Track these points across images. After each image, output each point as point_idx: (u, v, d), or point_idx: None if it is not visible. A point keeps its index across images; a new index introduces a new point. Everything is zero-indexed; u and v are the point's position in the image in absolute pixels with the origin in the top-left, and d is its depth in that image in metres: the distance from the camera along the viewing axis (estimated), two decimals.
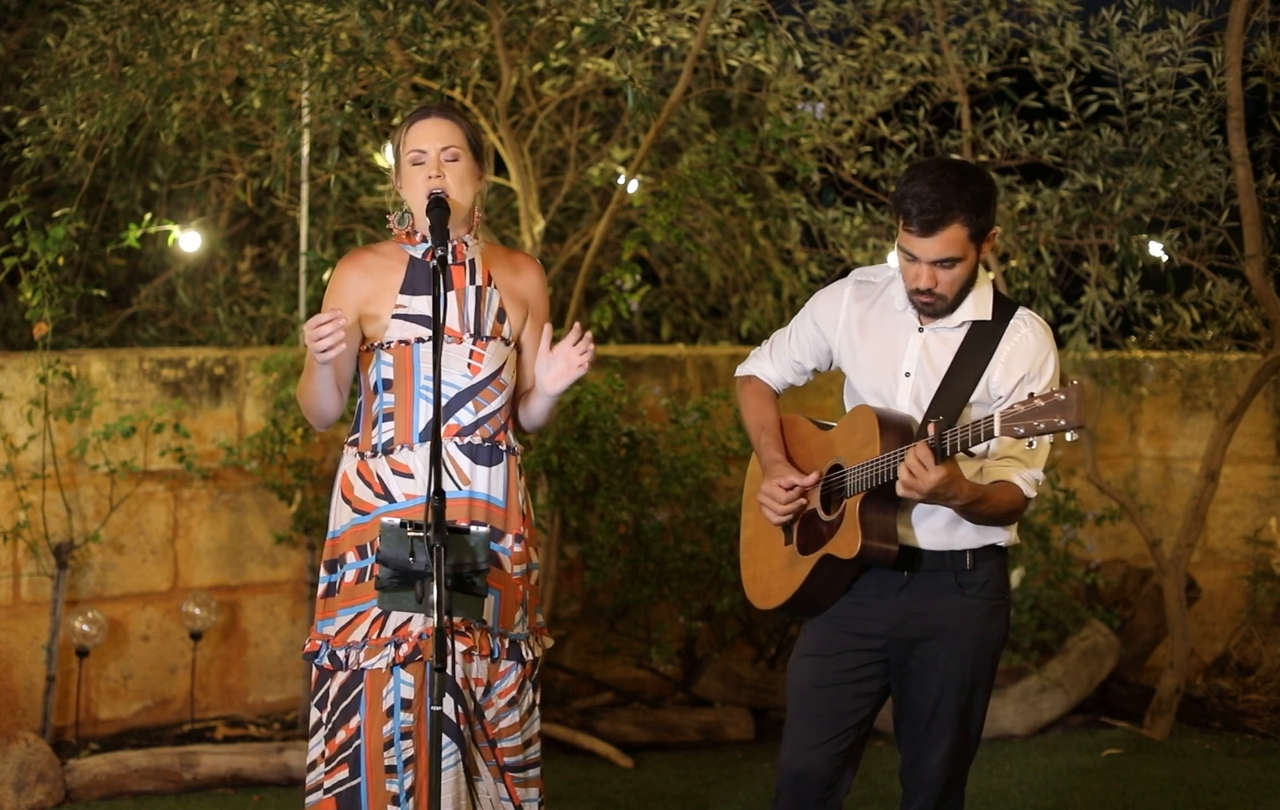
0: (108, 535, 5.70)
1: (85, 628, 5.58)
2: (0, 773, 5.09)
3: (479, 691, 3.64)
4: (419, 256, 3.68)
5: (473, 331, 3.65)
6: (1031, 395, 3.24)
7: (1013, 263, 6.07)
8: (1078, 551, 6.47)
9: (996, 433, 3.24)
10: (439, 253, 3.43)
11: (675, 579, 5.99)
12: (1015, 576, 6.12)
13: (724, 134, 5.82)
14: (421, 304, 3.64)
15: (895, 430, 3.48)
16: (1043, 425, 3.19)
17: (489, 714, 3.65)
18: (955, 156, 5.95)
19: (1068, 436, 3.21)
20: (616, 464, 5.86)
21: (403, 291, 3.65)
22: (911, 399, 3.57)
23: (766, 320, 7.31)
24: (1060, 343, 6.32)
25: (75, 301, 6.45)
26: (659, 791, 5.38)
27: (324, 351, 3.47)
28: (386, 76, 5.20)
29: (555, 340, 3.71)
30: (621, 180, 6.03)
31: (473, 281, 3.68)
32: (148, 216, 5.67)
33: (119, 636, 5.76)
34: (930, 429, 3.35)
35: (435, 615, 3.10)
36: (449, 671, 3.55)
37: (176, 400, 5.84)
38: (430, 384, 3.61)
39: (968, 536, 3.57)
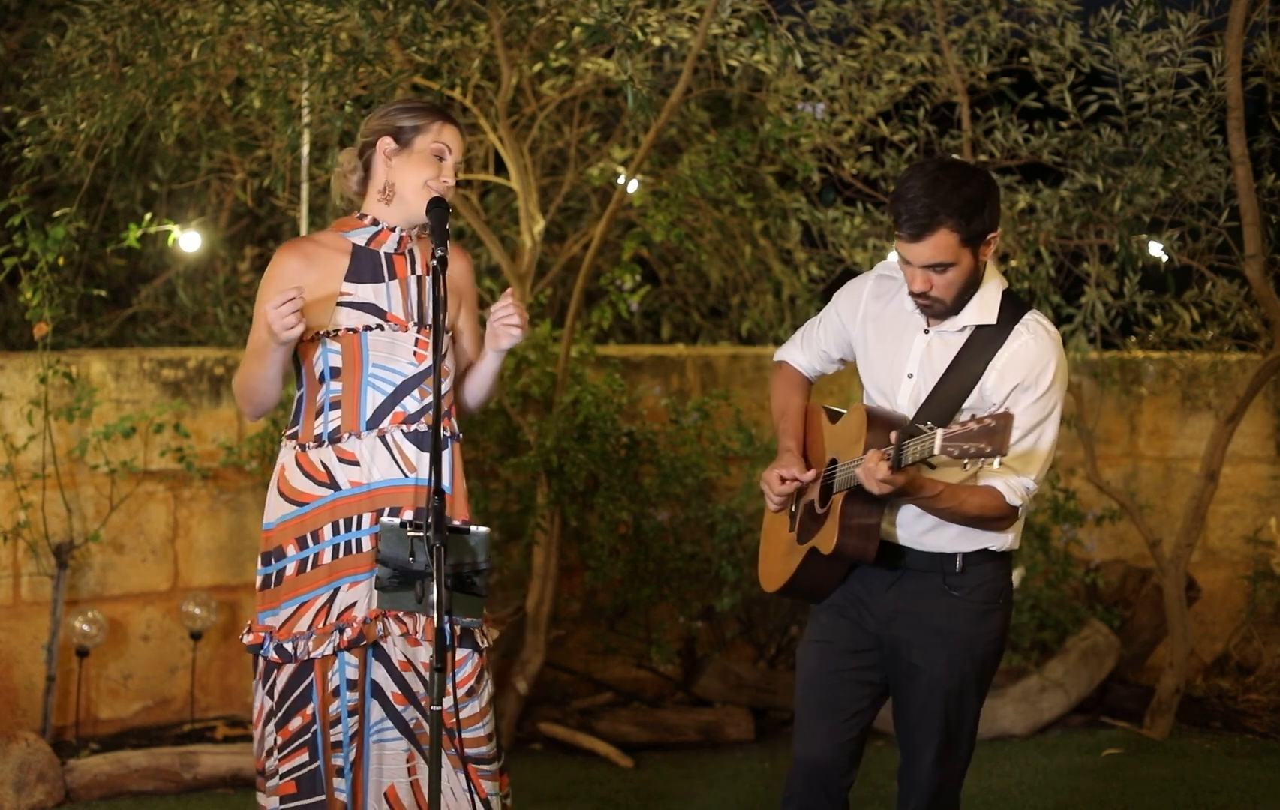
0: (108, 535, 5.70)
1: (85, 628, 5.58)
2: (0, 773, 5.09)
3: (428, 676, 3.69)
4: (363, 243, 3.70)
5: (416, 320, 3.69)
6: (973, 416, 3.29)
7: (1013, 263, 6.07)
8: (1078, 551, 6.47)
9: (936, 450, 3.28)
10: (439, 253, 3.45)
11: (675, 579, 5.99)
12: (1015, 576, 6.10)
13: (724, 134, 5.82)
14: (367, 292, 3.66)
15: (881, 429, 3.52)
16: (973, 449, 3.24)
17: (446, 702, 3.65)
18: (955, 156, 5.95)
19: (994, 463, 3.25)
20: (616, 464, 5.86)
21: (347, 279, 3.66)
22: (911, 399, 3.59)
23: (766, 320, 7.31)
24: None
25: (75, 301, 6.45)
26: (659, 791, 5.38)
27: (289, 329, 3.48)
28: (386, 76, 5.20)
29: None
30: (621, 180, 6.02)
31: (413, 271, 3.72)
32: (148, 216, 5.67)
33: (119, 636, 5.76)
34: (893, 438, 3.40)
35: (435, 615, 3.10)
36: (387, 650, 3.66)
37: (176, 400, 5.84)
38: (379, 371, 3.65)
39: (956, 540, 3.58)
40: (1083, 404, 6.12)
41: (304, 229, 6.39)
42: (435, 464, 3.23)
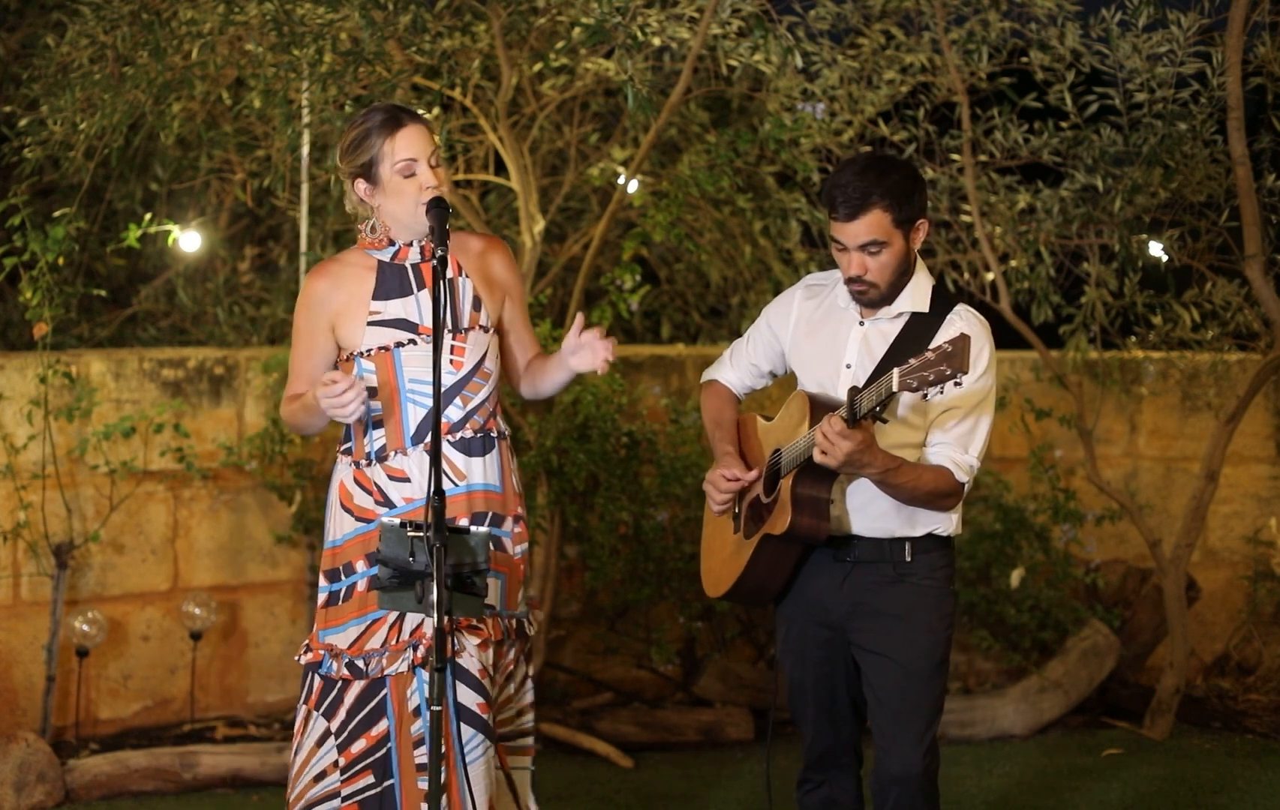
0: (108, 535, 5.70)
1: (85, 628, 5.58)
2: (0, 773, 5.09)
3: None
4: (388, 260, 3.69)
5: (451, 326, 3.66)
6: (926, 351, 3.34)
7: (1013, 263, 6.07)
8: (1078, 551, 6.47)
9: (895, 388, 3.34)
10: (439, 253, 3.44)
11: (675, 579, 5.99)
12: (1015, 576, 6.11)
13: (724, 134, 5.82)
14: (396, 308, 3.66)
15: (825, 410, 3.59)
16: (933, 376, 3.30)
17: (493, 692, 3.71)
18: (958, 154, 5.95)
19: (954, 384, 3.30)
20: (616, 464, 5.86)
21: (375, 298, 3.66)
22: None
23: None
24: (1060, 343, 6.32)
25: (75, 301, 6.45)
26: (659, 791, 5.38)
27: (349, 416, 3.49)
28: (386, 76, 5.20)
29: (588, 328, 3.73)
30: (621, 180, 6.02)
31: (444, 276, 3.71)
32: (148, 216, 5.67)
33: (119, 636, 5.76)
34: (845, 398, 3.48)
35: (435, 615, 3.11)
36: (465, 665, 3.63)
37: (176, 400, 5.84)
38: (416, 386, 3.65)
39: (904, 525, 3.68)
40: (1083, 404, 6.11)
41: (304, 229, 6.39)
42: (435, 464, 3.23)
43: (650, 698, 6.18)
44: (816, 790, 3.91)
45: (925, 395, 3.32)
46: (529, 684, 3.83)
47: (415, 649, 3.60)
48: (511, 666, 3.74)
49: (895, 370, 3.33)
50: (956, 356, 3.27)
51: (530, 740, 3.84)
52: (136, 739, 5.66)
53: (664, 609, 6.14)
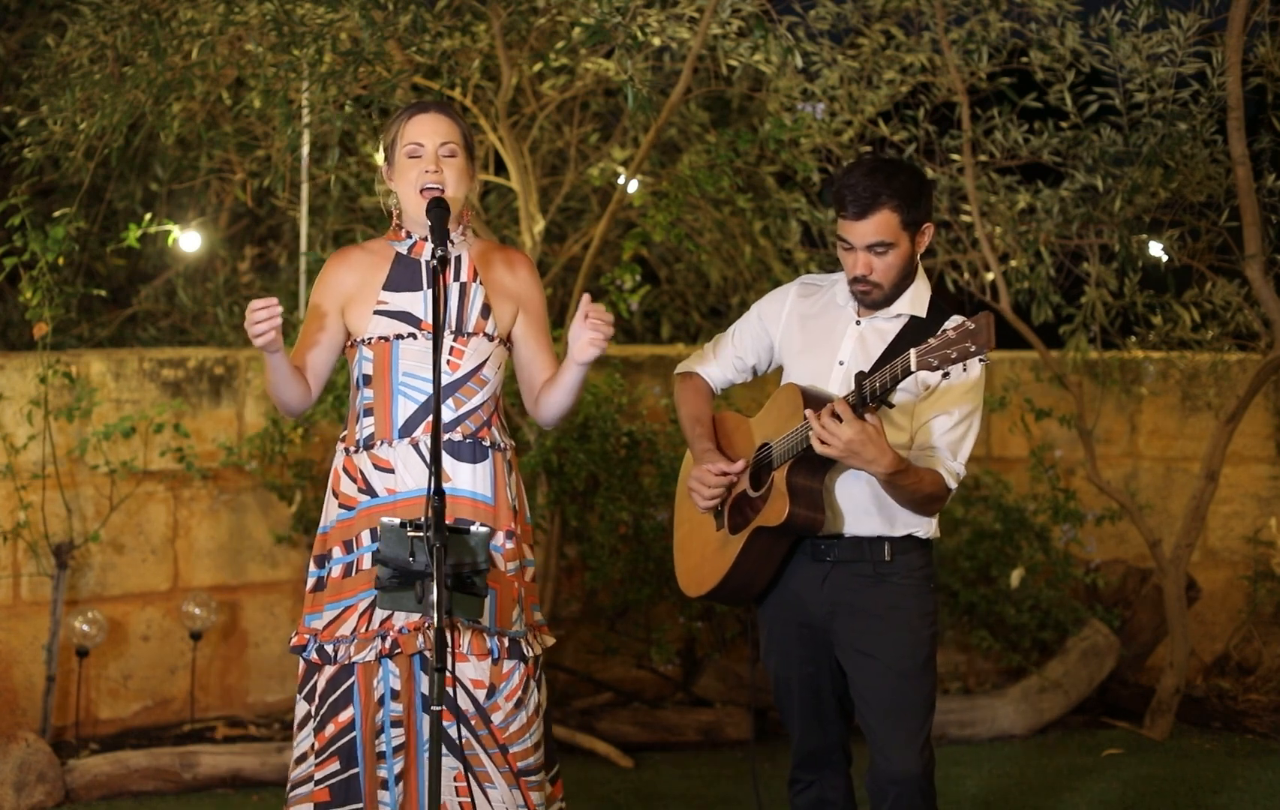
0: (108, 535, 5.70)
1: (85, 628, 5.58)
2: (0, 773, 5.09)
3: (480, 694, 3.63)
4: (404, 252, 3.72)
5: (454, 328, 3.67)
6: (944, 330, 3.35)
7: (1013, 263, 6.07)
8: (1078, 551, 6.47)
9: (913, 368, 3.34)
10: (439, 253, 3.44)
11: (675, 579, 5.98)
12: (1015, 576, 6.11)
13: (724, 134, 5.82)
14: (402, 301, 3.67)
15: (819, 402, 3.57)
16: (955, 354, 3.30)
17: (497, 718, 3.63)
18: (958, 154, 5.95)
19: (978, 362, 3.33)
20: (616, 464, 5.86)
21: (385, 288, 3.69)
22: (843, 387, 3.68)
23: None
24: (1060, 343, 6.32)
25: (75, 301, 6.45)
26: (659, 791, 5.38)
27: (258, 337, 3.48)
28: (386, 76, 5.20)
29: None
30: (621, 180, 6.03)
31: (457, 278, 3.70)
32: (148, 216, 5.67)
33: (119, 636, 5.76)
34: (853, 379, 3.49)
35: (435, 615, 3.10)
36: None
37: (176, 400, 5.84)
38: (409, 380, 3.65)
39: (884, 525, 3.68)
40: (1083, 404, 6.11)
41: (304, 229, 6.40)
42: (435, 464, 3.23)
43: (650, 698, 6.18)
44: (807, 791, 3.90)
45: (946, 374, 3.33)
46: (541, 715, 3.72)
47: (383, 639, 3.60)
48: (519, 692, 3.66)
49: (912, 351, 3.34)
50: (981, 333, 3.27)
51: (545, 775, 3.71)
52: (136, 739, 5.66)
53: (664, 609, 6.14)
